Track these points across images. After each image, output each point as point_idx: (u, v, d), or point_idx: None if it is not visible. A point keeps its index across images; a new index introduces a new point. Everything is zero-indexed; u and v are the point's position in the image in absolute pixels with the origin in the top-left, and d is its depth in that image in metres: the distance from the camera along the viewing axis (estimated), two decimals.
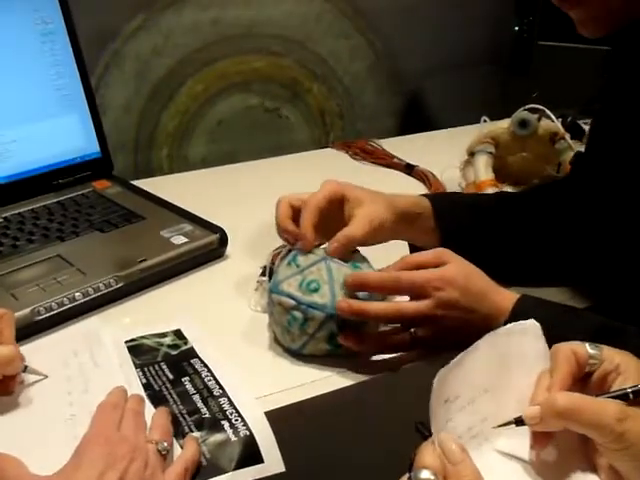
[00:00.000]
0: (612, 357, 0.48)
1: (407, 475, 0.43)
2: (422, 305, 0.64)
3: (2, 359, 0.59)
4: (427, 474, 0.42)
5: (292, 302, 0.67)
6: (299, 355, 0.69)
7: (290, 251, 0.72)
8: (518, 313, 0.62)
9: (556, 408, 0.44)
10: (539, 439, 0.47)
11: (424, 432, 0.50)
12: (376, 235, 0.72)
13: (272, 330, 0.72)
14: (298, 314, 0.66)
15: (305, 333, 0.67)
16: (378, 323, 0.69)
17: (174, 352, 0.68)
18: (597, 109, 0.83)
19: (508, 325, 0.52)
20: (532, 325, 0.51)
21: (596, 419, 0.43)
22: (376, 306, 0.66)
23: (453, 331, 0.65)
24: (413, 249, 0.81)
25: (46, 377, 0.63)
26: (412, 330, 0.67)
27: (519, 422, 0.47)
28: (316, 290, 0.66)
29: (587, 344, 0.49)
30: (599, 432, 0.43)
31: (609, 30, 0.66)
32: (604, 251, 0.77)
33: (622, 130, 0.75)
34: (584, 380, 0.49)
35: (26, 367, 0.62)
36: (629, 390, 0.45)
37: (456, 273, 0.65)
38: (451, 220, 0.79)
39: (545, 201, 0.85)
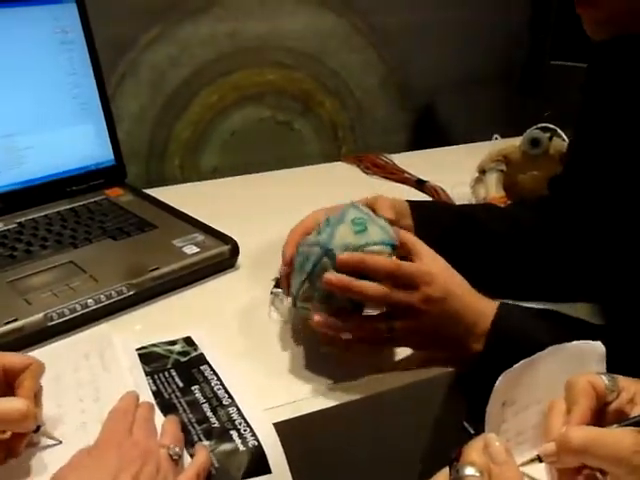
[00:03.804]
0: (628, 387, 0.48)
1: (447, 470, 0.42)
2: (410, 295, 0.63)
3: (14, 414, 0.51)
4: (472, 471, 0.41)
5: None
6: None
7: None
8: (499, 322, 0.63)
9: (571, 445, 0.43)
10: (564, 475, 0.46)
11: (469, 430, 0.49)
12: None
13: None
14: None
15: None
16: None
17: (184, 359, 0.69)
18: (575, 128, 0.83)
19: (574, 342, 0.51)
20: (597, 347, 0.51)
21: (612, 453, 0.42)
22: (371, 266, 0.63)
23: (431, 330, 0.64)
24: None
25: (60, 442, 0.56)
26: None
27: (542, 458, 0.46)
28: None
29: (603, 376, 0.48)
30: (616, 465, 0.42)
31: (613, 34, 0.65)
32: (584, 268, 0.77)
33: (598, 148, 0.75)
34: (601, 409, 0.47)
35: (39, 427, 0.54)
36: None
37: (440, 271, 0.64)
38: (429, 221, 0.79)
39: (527, 214, 0.85)
